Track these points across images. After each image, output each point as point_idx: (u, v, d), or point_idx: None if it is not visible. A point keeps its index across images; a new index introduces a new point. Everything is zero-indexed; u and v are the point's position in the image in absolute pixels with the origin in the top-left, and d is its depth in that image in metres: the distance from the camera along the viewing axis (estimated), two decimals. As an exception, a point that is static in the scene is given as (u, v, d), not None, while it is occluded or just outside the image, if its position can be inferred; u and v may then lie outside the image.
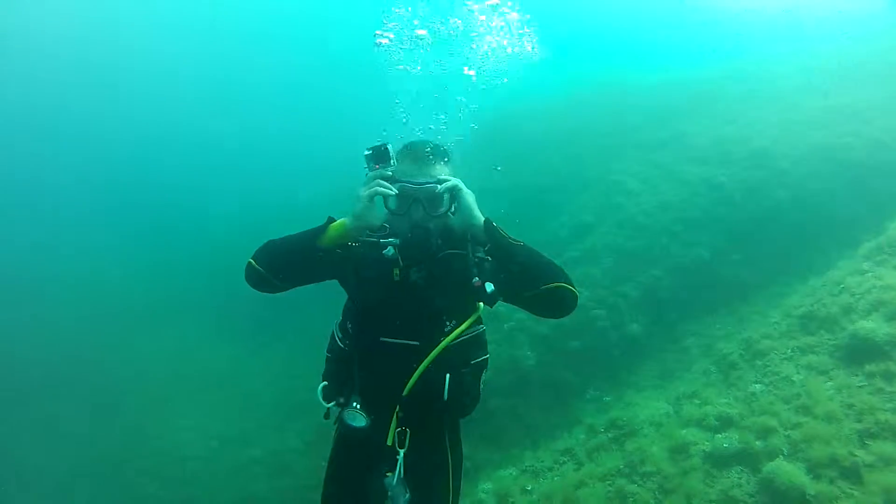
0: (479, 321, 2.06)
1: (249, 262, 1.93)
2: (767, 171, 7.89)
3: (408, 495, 1.88)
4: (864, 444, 3.71)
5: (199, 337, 11.02)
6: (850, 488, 3.49)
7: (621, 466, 4.73)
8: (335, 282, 2.09)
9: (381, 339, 1.92)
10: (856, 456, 3.63)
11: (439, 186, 1.90)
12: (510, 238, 1.89)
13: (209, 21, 29.49)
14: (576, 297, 1.88)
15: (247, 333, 10.82)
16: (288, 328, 10.26)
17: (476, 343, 2.04)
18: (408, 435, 1.91)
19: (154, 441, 7.98)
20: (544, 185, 10.12)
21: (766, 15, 19.07)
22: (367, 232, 1.95)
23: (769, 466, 3.85)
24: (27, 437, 8.17)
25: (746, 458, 4.12)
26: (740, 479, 4.00)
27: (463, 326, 1.94)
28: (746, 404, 4.67)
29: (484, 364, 2.06)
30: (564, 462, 5.33)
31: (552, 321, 6.52)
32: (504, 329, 6.95)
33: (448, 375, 1.87)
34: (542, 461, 5.47)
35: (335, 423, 2.11)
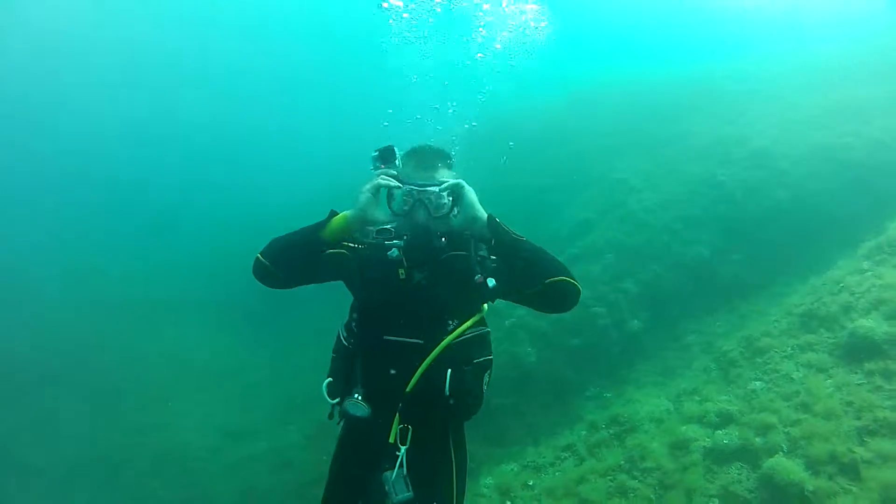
0: (482, 322, 2.07)
1: (257, 257, 1.96)
2: (767, 171, 7.93)
3: (410, 494, 1.89)
4: (863, 441, 3.74)
5: (199, 333, 11.02)
6: (849, 484, 3.52)
7: (622, 462, 4.76)
8: (338, 281, 2.12)
9: (385, 337, 1.94)
10: (854, 453, 3.66)
11: (441, 185, 1.94)
12: (513, 233, 1.92)
13: (209, 21, 29.42)
14: (578, 291, 1.90)
15: (247, 330, 10.84)
16: (288, 324, 10.29)
17: (480, 343, 2.05)
18: (409, 432, 1.92)
19: (155, 437, 7.99)
20: (545, 184, 10.15)
21: (767, 14, 19.11)
22: (369, 227, 1.97)
23: (769, 463, 3.88)
24: (27, 435, 8.16)
25: (746, 455, 4.15)
26: (740, 475, 4.03)
27: (466, 324, 1.95)
28: (746, 401, 4.70)
29: (487, 365, 2.05)
30: (566, 458, 5.36)
31: (552, 317, 6.56)
32: (505, 326, 6.97)
33: (449, 371, 1.88)
34: (544, 457, 5.50)
35: (339, 421, 2.12)
